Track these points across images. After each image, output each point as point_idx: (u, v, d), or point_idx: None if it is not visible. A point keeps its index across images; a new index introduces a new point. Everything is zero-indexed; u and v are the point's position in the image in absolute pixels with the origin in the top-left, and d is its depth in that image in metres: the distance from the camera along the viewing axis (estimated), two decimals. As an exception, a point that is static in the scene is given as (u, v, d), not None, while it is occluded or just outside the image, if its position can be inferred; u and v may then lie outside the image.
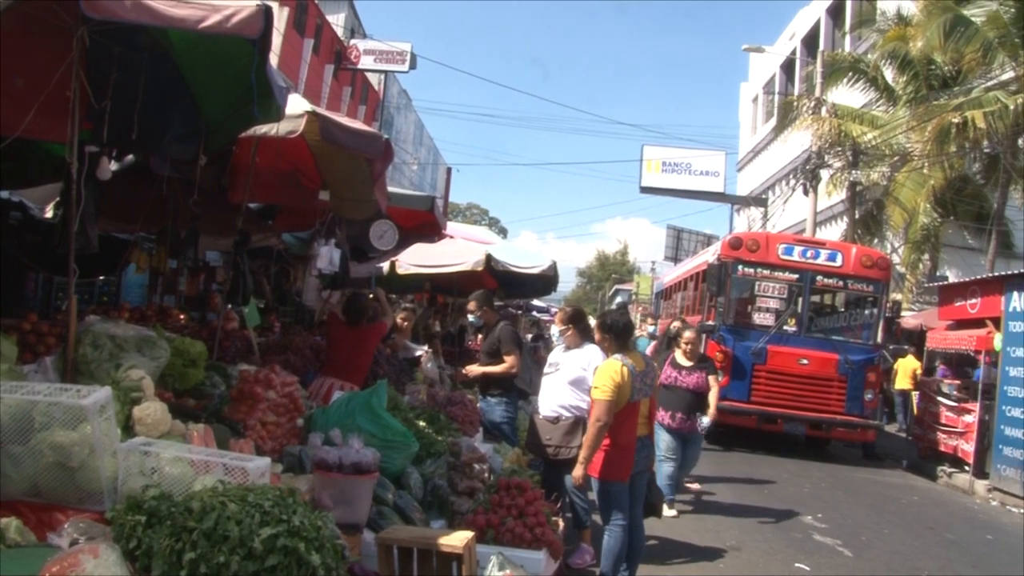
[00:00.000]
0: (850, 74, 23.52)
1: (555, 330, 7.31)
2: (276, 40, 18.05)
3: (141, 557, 2.89)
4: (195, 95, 5.41)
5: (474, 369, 8.50)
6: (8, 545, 2.91)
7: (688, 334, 9.15)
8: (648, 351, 10.24)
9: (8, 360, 4.18)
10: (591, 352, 6.63)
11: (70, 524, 3.04)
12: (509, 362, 8.08)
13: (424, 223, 9.53)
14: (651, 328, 13.20)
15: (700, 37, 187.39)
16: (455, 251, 11.36)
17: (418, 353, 9.99)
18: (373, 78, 35.05)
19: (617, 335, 6.02)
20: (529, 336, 13.87)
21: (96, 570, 2.55)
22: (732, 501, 9.83)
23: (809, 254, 14.51)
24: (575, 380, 6.61)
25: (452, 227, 12.91)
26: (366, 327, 7.42)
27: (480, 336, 10.26)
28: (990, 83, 19.17)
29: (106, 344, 4.59)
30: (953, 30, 18.87)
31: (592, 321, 7.41)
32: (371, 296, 8.38)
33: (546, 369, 7.17)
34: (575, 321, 6.95)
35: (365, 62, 30.22)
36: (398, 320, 9.83)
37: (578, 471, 5.77)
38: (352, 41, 30.88)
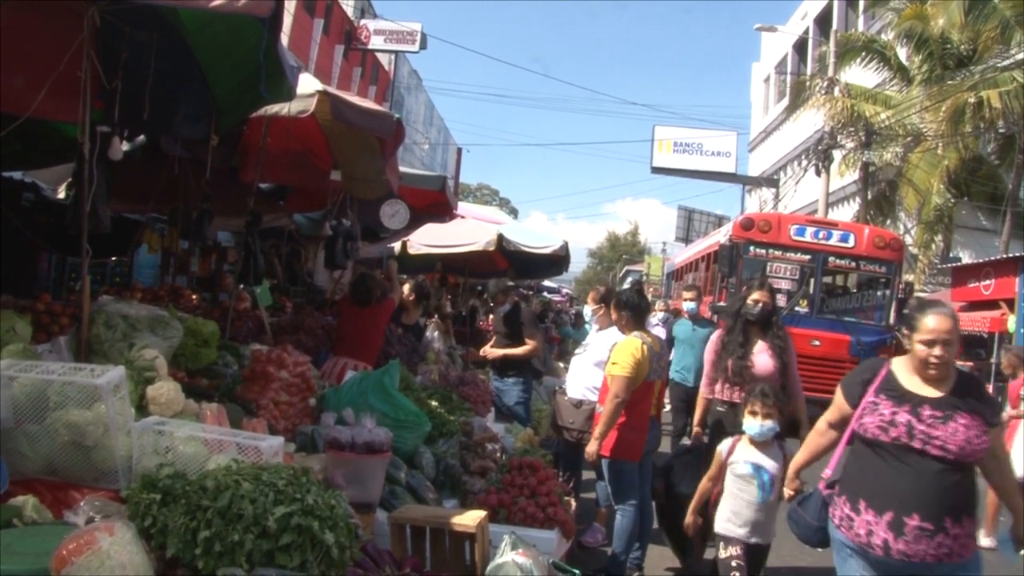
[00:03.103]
0: (863, 53, 23.33)
1: (587, 310, 7.32)
2: (286, 20, 18.00)
3: (156, 535, 2.91)
4: (206, 75, 5.39)
5: (493, 351, 8.48)
6: (25, 523, 2.93)
7: (935, 321, 3.74)
8: (713, 343, 6.36)
9: (22, 340, 4.20)
10: (617, 333, 6.60)
11: (86, 502, 3.06)
12: (532, 345, 8.11)
13: (435, 203, 9.50)
14: (691, 305, 10.01)
15: (712, 16, 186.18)
16: (466, 231, 11.33)
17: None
18: (383, 58, 34.90)
19: (634, 313, 6.01)
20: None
21: (112, 547, 2.56)
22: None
23: (821, 235, 14.45)
24: (600, 362, 6.59)
25: (463, 207, 12.87)
26: (375, 306, 7.42)
27: (491, 316, 10.27)
28: (1006, 62, 18.99)
29: (119, 324, 4.60)
30: (972, 8, 18.71)
31: None
32: (381, 274, 8.37)
33: (578, 350, 7.22)
34: (607, 301, 6.94)
35: (375, 42, 30.06)
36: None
37: (592, 447, 5.78)
38: (362, 21, 30.72)
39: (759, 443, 4.99)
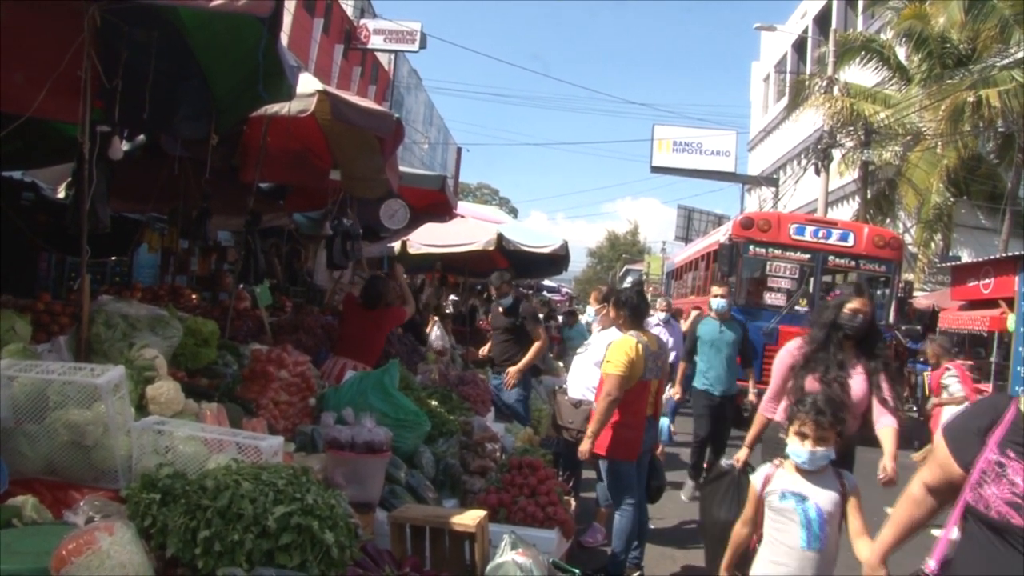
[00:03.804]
0: (863, 53, 23.35)
1: (590, 309, 7.31)
2: (286, 20, 18.00)
3: (156, 535, 2.91)
4: (206, 74, 5.39)
5: (513, 374, 8.43)
6: (25, 522, 2.93)
7: None
8: (790, 355, 5.11)
9: (22, 339, 4.20)
10: (618, 332, 6.59)
11: (85, 502, 3.06)
12: (540, 342, 8.14)
13: (435, 203, 9.51)
14: (721, 303, 8.86)
15: (711, 15, 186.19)
16: (466, 231, 11.34)
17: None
18: (383, 58, 34.90)
19: (632, 312, 6.01)
20: (541, 316, 13.87)
21: (111, 547, 2.56)
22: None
23: (821, 234, 14.46)
24: (600, 362, 6.58)
25: (463, 207, 12.88)
26: (383, 311, 7.38)
27: (490, 315, 10.27)
28: (1006, 61, 19.02)
29: (119, 323, 4.60)
30: (972, 7, 18.76)
31: None
32: (386, 276, 8.35)
33: (580, 349, 7.23)
34: (609, 300, 6.94)
35: (375, 42, 30.06)
36: None
37: (585, 445, 5.79)
38: (362, 21, 30.71)
39: (807, 470, 3.80)
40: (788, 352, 5.12)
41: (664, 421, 8.73)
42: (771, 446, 4.85)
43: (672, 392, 8.84)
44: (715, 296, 8.93)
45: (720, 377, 8.69)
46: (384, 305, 7.38)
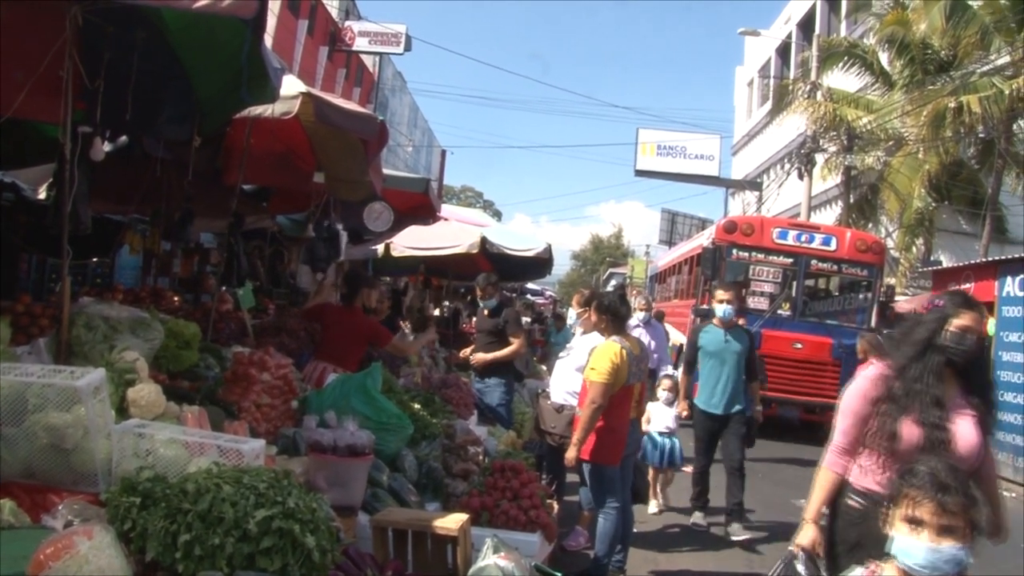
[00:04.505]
0: (846, 58, 23.50)
1: (572, 313, 7.28)
2: (270, 21, 17.95)
3: (136, 539, 2.89)
4: (189, 76, 5.37)
5: (480, 356, 8.43)
6: (3, 527, 2.90)
7: None
8: (868, 385, 3.65)
9: (1, 342, 4.17)
10: (599, 336, 6.56)
11: (64, 506, 3.03)
12: (517, 344, 8.11)
13: (419, 205, 9.52)
14: (727, 309, 7.84)
15: (696, 20, 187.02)
16: (450, 233, 11.34)
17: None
18: (368, 60, 34.85)
19: (614, 317, 6.02)
20: (527, 319, 13.88)
21: (90, 552, 2.54)
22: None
23: (804, 238, 14.55)
24: (582, 367, 6.55)
25: (447, 209, 12.92)
26: (367, 320, 7.28)
27: (474, 319, 10.27)
28: (986, 68, 19.19)
29: (100, 326, 4.58)
30: (953, 14, 18.92)
31: None
32: (373, 278, 8.33)
33: (562, 353, 7.22)
34: (591, 304, 6.91)
35: (360, 44, 30.00)
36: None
37: (571, 453, 5.80)
38: (347, 23, 30.65)
39: None
40: (869, 380, 3.68)
41: (676, 442, 8.39)
42: (851, 520, 3.55)
43: (680, 409, 8.38)
44: (720, 301, 7.88)
45: (725, 393, 7.75)
46: (360, 302, 7.31)
